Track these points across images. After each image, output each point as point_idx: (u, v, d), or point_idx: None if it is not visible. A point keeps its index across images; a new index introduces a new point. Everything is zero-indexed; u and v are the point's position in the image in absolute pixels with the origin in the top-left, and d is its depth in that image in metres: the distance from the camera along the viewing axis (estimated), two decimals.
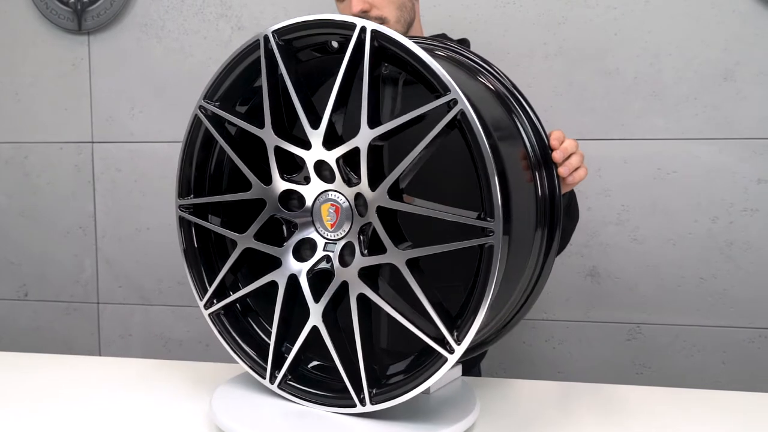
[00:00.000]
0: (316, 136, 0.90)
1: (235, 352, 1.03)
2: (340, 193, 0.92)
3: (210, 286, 1.05)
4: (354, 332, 0.89)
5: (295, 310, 1.01)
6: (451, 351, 0.84)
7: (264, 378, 1.00)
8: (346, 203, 0.91)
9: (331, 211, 0.91)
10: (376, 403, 0.90)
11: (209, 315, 1.05)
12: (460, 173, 1.02)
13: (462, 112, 0.80)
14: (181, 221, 1.07)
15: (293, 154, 0.94)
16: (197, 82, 1.94)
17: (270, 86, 0.95)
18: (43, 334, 2.12)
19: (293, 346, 0.99)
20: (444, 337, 0.85)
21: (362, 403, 0.91)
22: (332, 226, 0.92)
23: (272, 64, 0.95)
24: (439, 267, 0.93)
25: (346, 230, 0.92)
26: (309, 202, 0.95)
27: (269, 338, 1.04)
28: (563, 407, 1.08)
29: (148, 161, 2.01)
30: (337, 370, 0.98)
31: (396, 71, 1.20)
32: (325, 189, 0.93)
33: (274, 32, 0.93)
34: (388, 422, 0.92)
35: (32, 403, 1.08)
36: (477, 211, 0.83)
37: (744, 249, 1.75)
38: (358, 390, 0.92)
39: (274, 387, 0.99)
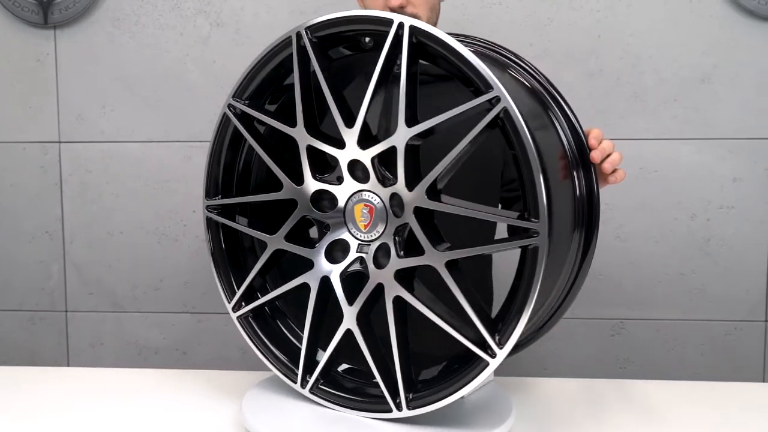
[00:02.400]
0: (350, 135, 0.88)
1: (265, 356, 1.01)
2: (374, 193, 0.90)
3: (238, 288, 1.02)
4: (390, 335, 0.88)
5: (326, 313, 0.98)
6: (492, 355, 0.83)
7: (295, 382, 0.98)
8: (381, 204, 0.89)
9: (365, 211, 0.90)
10: (413, 408, 0.88)
11: (238, 318, 1.03)
12: (471, 170, 1.00)
13: (505, 110, 0.78)
14: (209, 222, 1.04)
15: (325, 153, 0.92)
16: (174, 80, 1.88)
17: (302, 84, 0.92)
18: (5, 344, 2.00)
19: (323, 349, 0.97)
20: (484, 341, 0.83)
21: (398, 408, 0.89)
22: (366, 227, 0.90)
23: (303, 62, 0.92)
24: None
25: (381, 231, 0.90)
26: (341, 203, 0.93)
27: (299, 341, 1.01)
28: (590, 405, 1.09)
29: (120, 162, 1.92)
30: (371, 373, 0.96)
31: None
32: (358, 189, 0.91)
33: (308, 28, 0.90)
34: (424, 427, 0.90)
35: (53, 417, 1.03)
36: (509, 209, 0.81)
37: (721, 245, 1.82)
38: (394, 395, 0.90)
39: (306, 391, 0.97)
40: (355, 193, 0.92)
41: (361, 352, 0.91)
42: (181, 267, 1.94)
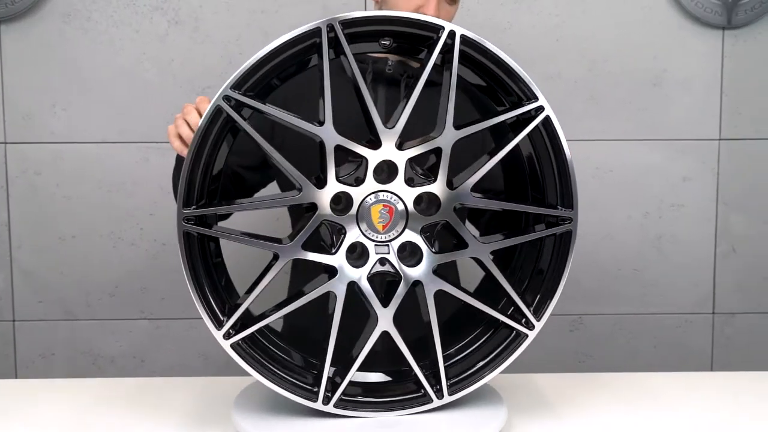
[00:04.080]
0: (389, 136, 0.88)
1: (271, 381, 0.92)
2: (392, 193, 0.90)
3: (225, 312, 0.91)
4: (432, 328, 0.91)
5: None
6: (531, 327, 0.92)
7: (315, 401, 0.91)
8: (400, 203, 0.90)
9: (384, 212, 0.89)
10: (453, 393, 0.93)
11: (231, 346, 0.91)
12: None
13: (547, 117, 0.89)
14: (185, 237, 0.90)
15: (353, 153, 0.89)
16: (129, 79, 1.83)
17: (324, 80, 0.87)
18: None
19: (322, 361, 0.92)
20: (523, 315, 0.94)
21: (439, 396, 0.92)
22: (384, 227, 0.90)
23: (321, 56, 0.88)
24: None
25: (399, 231, 0.91)
26: (356, 205, 0.90)
27: (288, 356, 0.97)
28: (568, 398, 1.12)
29: (72, 163, 1.84)
30: (384, 371, 0.98)
31: (399, 73, 1.20)
32: (376, 190, 0.90)
33: (341, 22, 0.87)
34: (454, 412, 0.94)
35: None
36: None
37: (672, 242, 1.91)
38: (432, 384, 0.93)
39: (330, 407, 0.92)
40: (370, 194, 0.90)
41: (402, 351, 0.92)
42: (138, 272, 1.88)
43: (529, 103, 0.91)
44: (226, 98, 0.88)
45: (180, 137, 1.05)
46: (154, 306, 1.89)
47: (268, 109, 0.89)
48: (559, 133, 0.91)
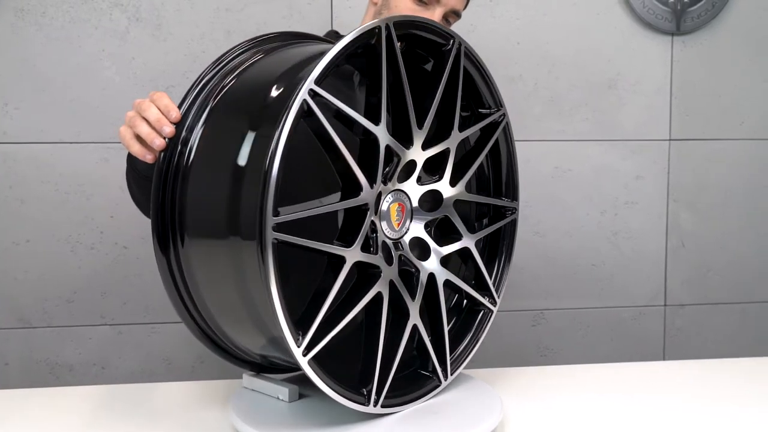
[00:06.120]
0: (419, 136, 0.90)
1: (337, 392, 0.86)
2: (403, 191, 0.93)
3: (300, 324, 0.82)
4: (442, 315, 0.95)
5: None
6: (494, 303, 1.04)
7: (366, 404, 0.88)
8: (408, 201, 0.93)
9: (398, 210, 0.92)
10: (454, 371, 0.99)
11: (309, 362, 0.81)
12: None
13: (507, 122, 1.02)
14: (275, 248, 0.76)
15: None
16: (88, 77, 1.77)
17: (376, 80, 0.85)
18: None
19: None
20: (491, 296, 1.04)
21: (445, 377, 0.97)
22: (398, 225, 0.92)
23: (375, 56, 0.85)
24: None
25: (407, 228, 0.94)
26: (381, 203, 0.90)
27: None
28: (560, 391, 1.15)
29: (27, 165, 1.77)
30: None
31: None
32: (395, 188, 0.92)
33: (394, 23, 0.85)
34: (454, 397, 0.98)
35: None
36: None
37: (626, 238, 1.99)
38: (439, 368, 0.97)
39: (378, 409, 0.89)
40: (389, 192, 0.91)
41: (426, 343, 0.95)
42: (98, 277, 1.82)
43: (496, 111, 1.02)
44: (312, 93, 0.79)
45: (138, 138, 0.92)
46: (116, 311, 1.84)
47: (341, 105, 0.82)
48: (512, 135, 1.04)
